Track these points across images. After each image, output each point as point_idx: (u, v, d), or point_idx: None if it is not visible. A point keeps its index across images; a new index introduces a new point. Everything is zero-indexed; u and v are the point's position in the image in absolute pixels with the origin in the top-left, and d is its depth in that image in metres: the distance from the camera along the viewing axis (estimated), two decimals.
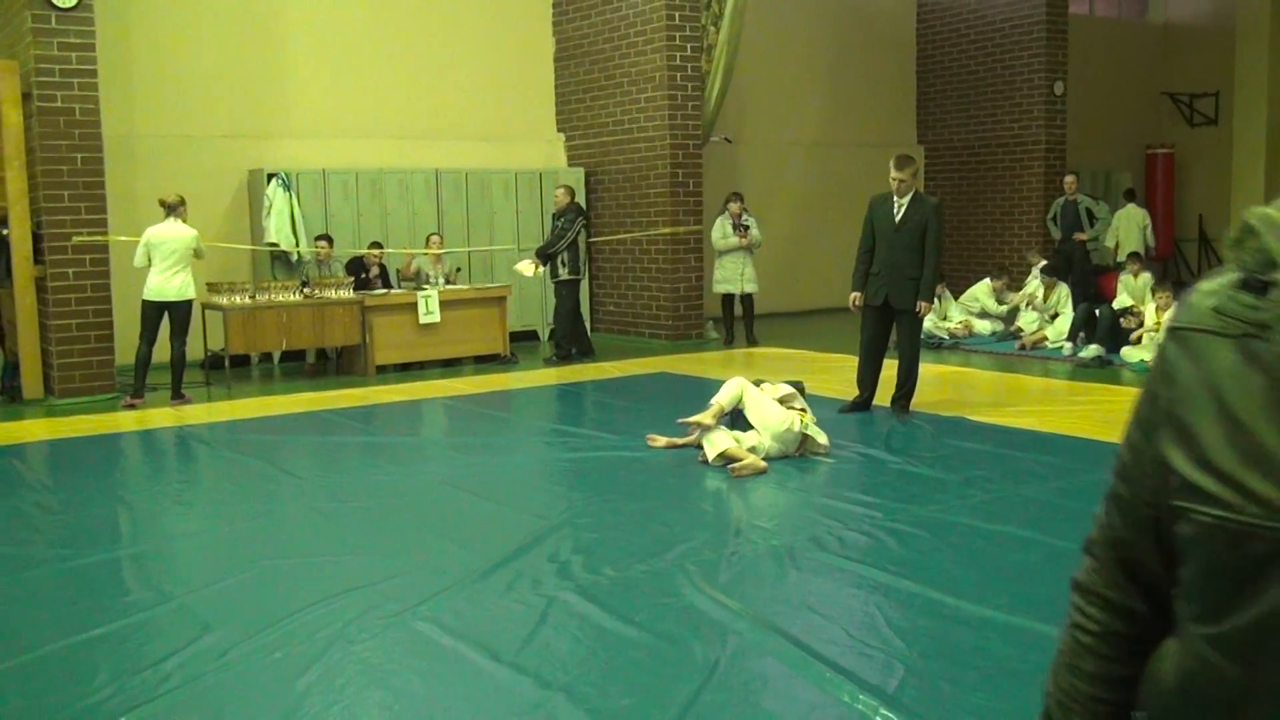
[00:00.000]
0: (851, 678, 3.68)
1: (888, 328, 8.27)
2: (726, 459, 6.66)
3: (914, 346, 8.29)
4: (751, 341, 12.47)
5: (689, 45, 12.93)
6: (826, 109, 16.56)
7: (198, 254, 9.58)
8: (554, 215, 11.78)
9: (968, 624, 4.18)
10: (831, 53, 16.54)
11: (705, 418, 6.94)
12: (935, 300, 8.32)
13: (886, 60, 17.25)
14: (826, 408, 8.09)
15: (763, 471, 6.57)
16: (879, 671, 3.75)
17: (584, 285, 13.77)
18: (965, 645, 4.00)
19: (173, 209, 9.49)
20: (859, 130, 16.93)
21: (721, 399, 7.01)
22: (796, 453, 6.90)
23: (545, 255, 11.62)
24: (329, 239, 11.52)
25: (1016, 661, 3.82)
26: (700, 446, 6.93)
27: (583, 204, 12.41)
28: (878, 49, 17.13)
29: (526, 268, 11.66)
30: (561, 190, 11.79)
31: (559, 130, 14.40)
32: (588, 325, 13.80)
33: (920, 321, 8.38)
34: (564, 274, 11.65)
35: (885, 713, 3.42)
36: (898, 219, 8.07)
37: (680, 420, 7.12)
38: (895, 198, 8.11)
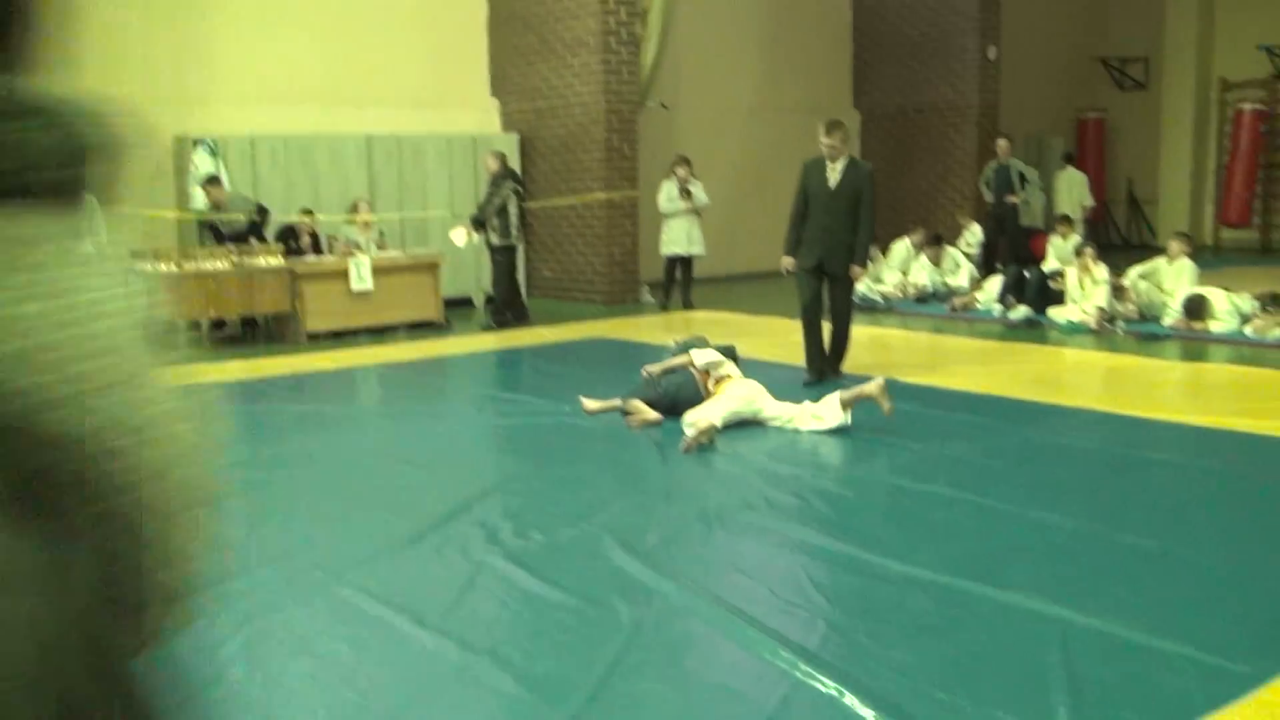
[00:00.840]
0: (774, 636, 3.72)
1: (821, 291, 8.28)
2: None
3: (846, 310, 8.37)
4: (687, 305, 12.49)
5: (623, 9, 12.85)
6: (763, 74, 16.55)
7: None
8: (490, 181, 11.73)
9: (891, 581, 4.24)
10: (767, 18, 16.52)
11: (657, 369, 7.14)
12: (869, 264, 8.40)
13: (822, 25, 17.26)
14: (763, 373, 8.10)
15: (710, 436, 6.42)
16: (801, 629, 3.80)
17: (520, 251, 13.73)
18: (888, 602, 4.05)
19: None
20: (795, 95, 16.94)
21: (699, 358, 7.10)
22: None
23: (476, 221, 11.59)
24: (310, 212, 11.61)
25: (937, 617, 3.89)
26: (625, 413, 6.94)
27: (517, 169, 12.29)
28: (813, 14, 17.13)
29: (459, 235, 11.62)
30: (492, 156, 11.73)
31: (493, 96, 14.27)
32: (524, 291, 13.76)
33: (852, 286, 8.44)
34: (495, 240, 11.59)
35: (805, 668, 3.47)
36: (832, 185, 8.06)
37: (588, 407, 7.16)
38: (828, 163, 8.10)
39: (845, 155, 8.16)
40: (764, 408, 6.82)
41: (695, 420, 6.49)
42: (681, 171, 12.43)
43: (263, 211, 11.28)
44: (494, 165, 11.61)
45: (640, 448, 6.48)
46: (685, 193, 12.33)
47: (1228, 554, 4.45)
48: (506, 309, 11.73)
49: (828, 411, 6.60)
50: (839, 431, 6.62)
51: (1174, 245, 10.96)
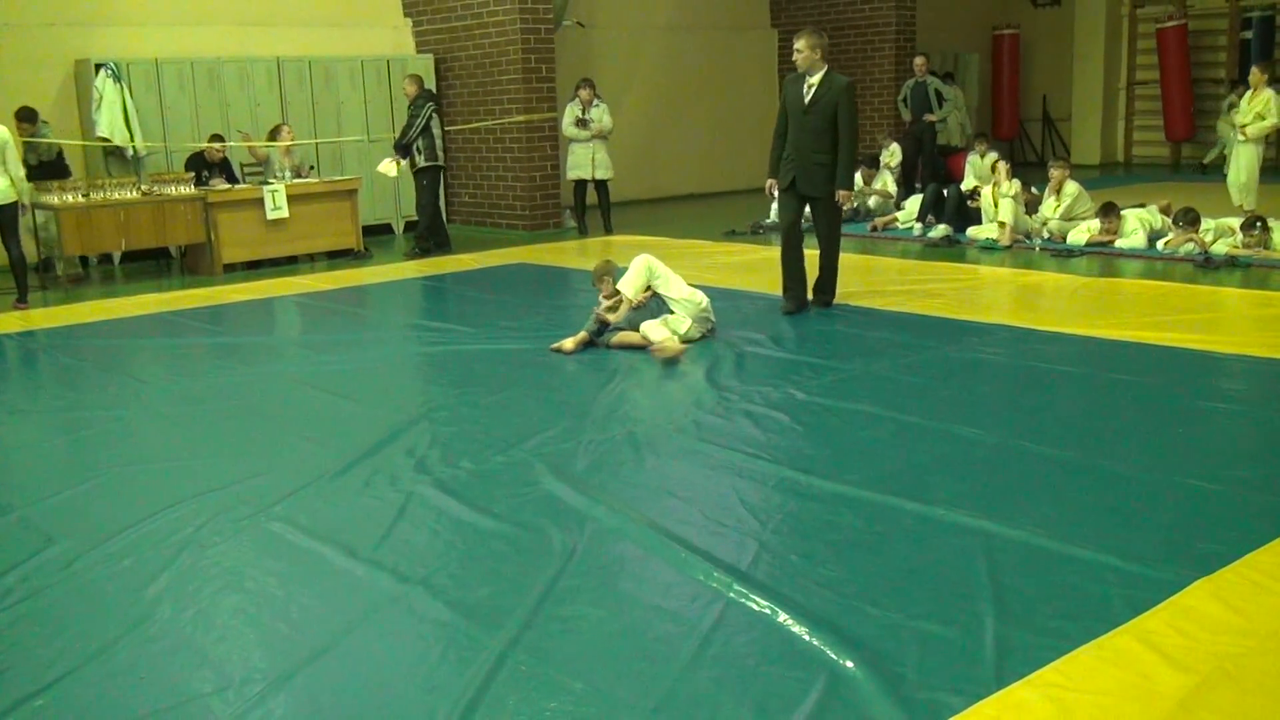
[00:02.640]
0: (707, 557, 3.76)
1: (801, 214, 7.86)
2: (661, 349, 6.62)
3: (830, 235, 7.92)
4: (608, 229, 12.42)
5: None
6: None
7: (8, 163, 8.83)
8: (409, 105, 11.46)
9: (820, 499, 4.30)
10: None
11: (614, 318, 6.89)
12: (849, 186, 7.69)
13: None
14: (728, 302, 8.09)
15: (680, 354, 6.60)
16: (733, 549, 3.84)
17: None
18: (817, 520, 4.11)
19: None
20: (713, 13, 16.78)
21: (628, 290, 6.91)
22: (709, 333, 6.99)
23: (402, 148, 11.37)
24: (221, 138, 11.27)
25: (864, 533, 3.95)
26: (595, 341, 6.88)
27: (434, 91, 12.04)
28: None
29: (389, 167, 11.38)
30: (409, 80, 11.51)
31: (406, 15, 13.93)
32: (444, 217, 13.59)
33: (838, 209, 7.85)
34: (421, 161, 11.38)
35: (739, 588, 3.51)
36: (806, 100, 7.57)
37: (554, 347, 6.87)
38: (806, 77, 7.62)
39: (823, 68, 7.59)
40: (666, 285, 7.00)
41: (661, 342, 6.64)
42: (584, 94, 12.29)
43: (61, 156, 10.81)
44: (412, 89, 11.40)
45: (567, 373, 6.47)
46: (583, 122, 12.20)
47: (1143, 464, 4.58)
48: (430, 237, 11.55)
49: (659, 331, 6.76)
50: (761, 353, 6.66)
51: (1055, 173, 10.82)
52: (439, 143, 11.51)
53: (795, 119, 7.67)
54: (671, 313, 6.95)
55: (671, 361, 6.54)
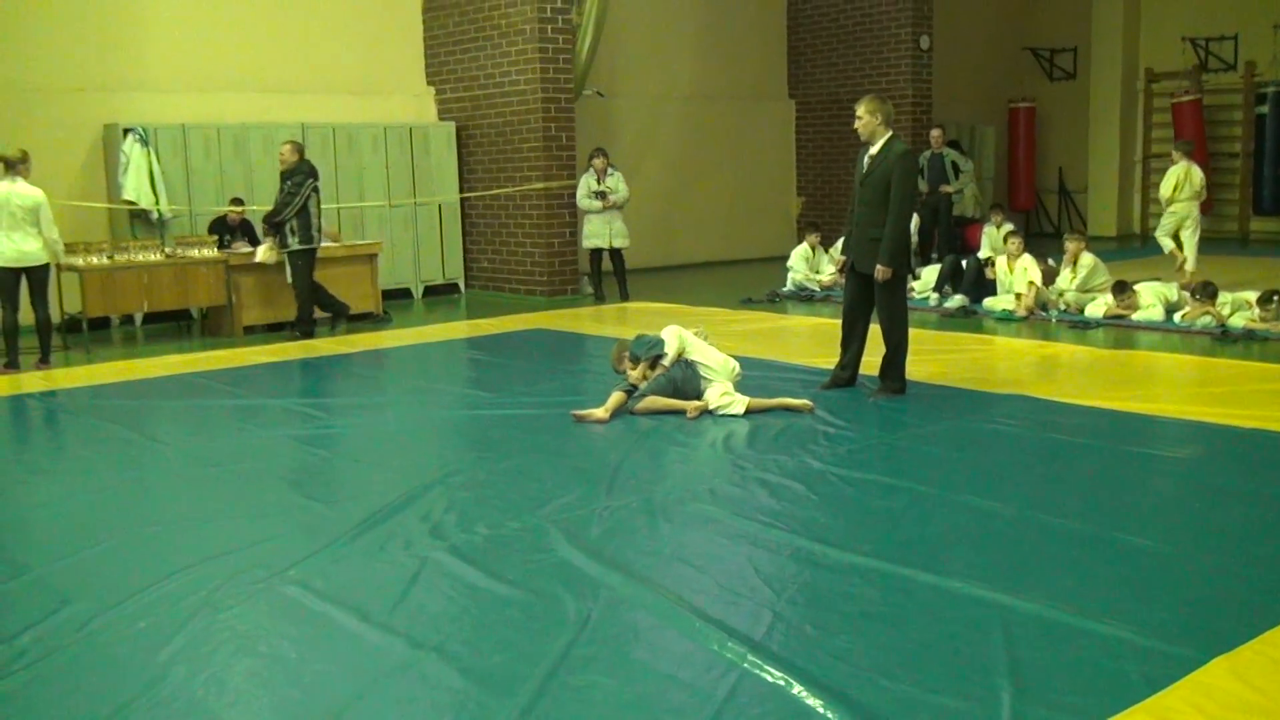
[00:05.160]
0: (720, 626, 3.75)
1: (865, 294, 7.36)
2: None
3: (887, 316, 7.25)
4: (624, 297, 12.50)
5: None
6: (699, 62, 16.58)
7: (41, 225, 8.92)
8: (282, 175, 10.49)
9: (835, 570, 4.28)
10: (703, 6, 16.54)
11: (651, 375, 6.95)
12: (898, 264, 7.14)
13: (757, 13, 17.31)
14: (766, 371, 8.11)
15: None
16: (747, 619, 3.83)
17: (455, 240, 13.66)
18: (832, 591, 4.10)
19: (13, 166, 8.98)
20: (731, 83, 17.00)
21: (671, 348, 7.02)
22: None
23: (274, 224, 10.39)
24: (241, 201, 11.31)
25: (879, 605, 3.93)
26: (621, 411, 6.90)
27: (312, 167, 10.73)
28: (749, 2, 17.17)
29: (267, 255, 10.56)
30: (288, 147, 10.51)
31: (429, 84, 14.15)
32: (461, 281, 13.71)
33: (891, 287, 7.20)
34: (294, 244, 10.39)
35: (753, 659, 3.49)
36: (863, 170, 7.23)
37: (581, 416, 6.77)
38: (869, 146, 7.23)
39: (885, 134, 7.17)
40: (698, 353, 7.10)
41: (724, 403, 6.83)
42: (598, 163, 12.43)
43: None
44: (292, 157, 10.40)
45: (583, 439, 6.48)
46: (600, 194, 12.32)
47: (1159, 538, 4.55)
48: (318, 316, 10.68)
49: (737, 402, 6.84)
50: (775, 422, 6.67)
51: (1071, 245, 10.98)
52: (315, 222, 10.48)
53: (855, 191, 7.35)
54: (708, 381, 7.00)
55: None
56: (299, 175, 10.32)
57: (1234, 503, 5.08)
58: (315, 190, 10.52)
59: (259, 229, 11.52)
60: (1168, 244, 12.36)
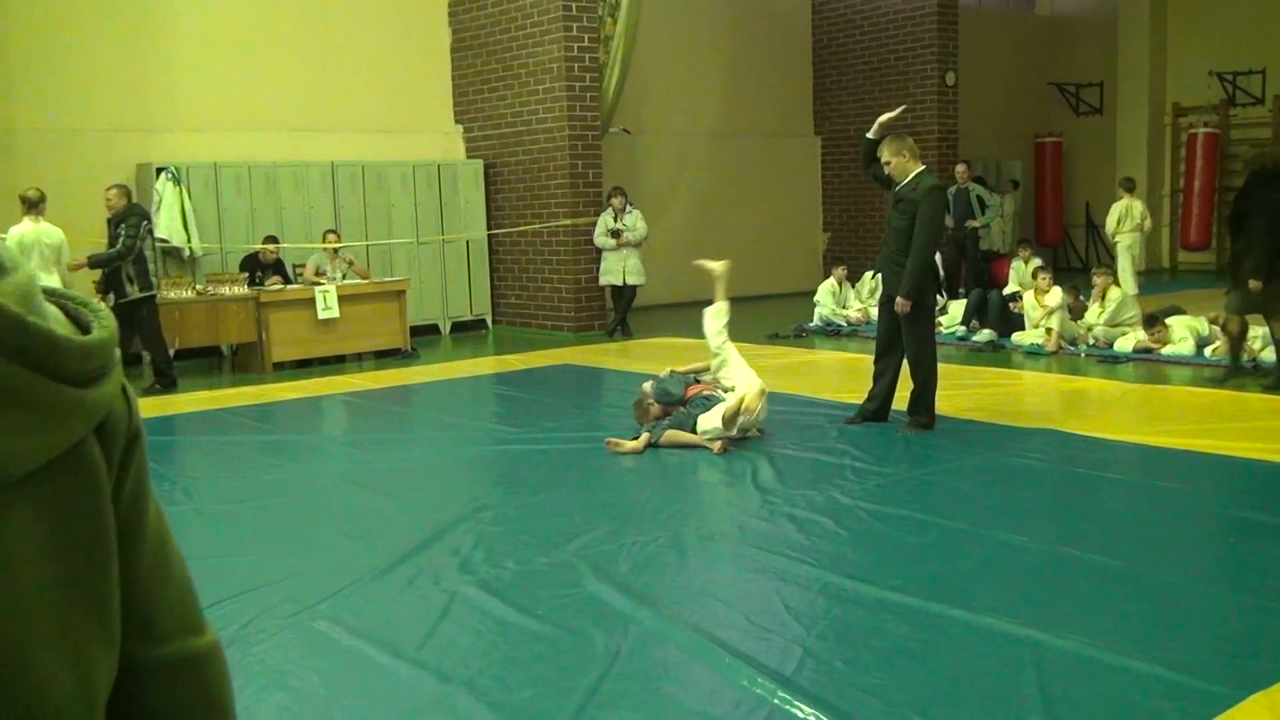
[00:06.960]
0: (750, 662, 3.74)
1: (898, 326, 7.32)
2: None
3: (914, 350, 7.22)
4: (626, 334, 12.56)
5: (586, 36, 12.92)
6: (725, 99, 16.68)
7: (61, 263, 9.00)
8: (110, 221, 9.67)
9: (865, 605, 4.27)
10: (729, 43, 16.67)
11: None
12: (919, 297, 7.09)
13: (783, 50, 17.43)
14: (788, 405, 8.14)
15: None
16: (777, 655, 3.82)
17: (483, 276, 13.74)
18: (862, 626, 4.08)
19: (34, 205, 9.04)
20: (757, 120, 17.08)
21: (714, 341, 7.53)
22: (757, 433, 7.13)
23: (107, 276, 9.54)
24: (275, 239, 11.39)
25: (910, 640, 3.92)
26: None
27: (145, 205, 10.37)
28: (775, 39, 17.29)
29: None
30: (114, 191, 9.71)
31: (457, 122, 14.29)
32: (489, 317, 13.78)
33: (917, 320, 7.19)
34: (133, 292, 9.55)
35: (783, 694, 3.48)
36: (894, 196, 7.30)
37: (613, 445, 6.89)
38: (902, 182, 7.24)
39: (916, 168, 7.22)
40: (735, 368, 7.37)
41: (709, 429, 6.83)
42: (616, 202, 12.52)
43: None
44: (120, 202, 9.60)
45: (611, 474, 6.49)
46: (616, 233, 12.40)
47: (1191, 574, 4.52)
48: (166, 366, 9.93)
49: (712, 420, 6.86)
50: (804, 457, 6.66)
51: (1099, 279, 10.97)
52: (151, 267, 9.97)
53: (888, 214, 7.39)
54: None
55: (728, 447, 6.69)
56: (133, 218, 9.53)
57: (1266, 538, 5.03)
58: (150, 233, 10.05)
59: (290, 268, 11.62)
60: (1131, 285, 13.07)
